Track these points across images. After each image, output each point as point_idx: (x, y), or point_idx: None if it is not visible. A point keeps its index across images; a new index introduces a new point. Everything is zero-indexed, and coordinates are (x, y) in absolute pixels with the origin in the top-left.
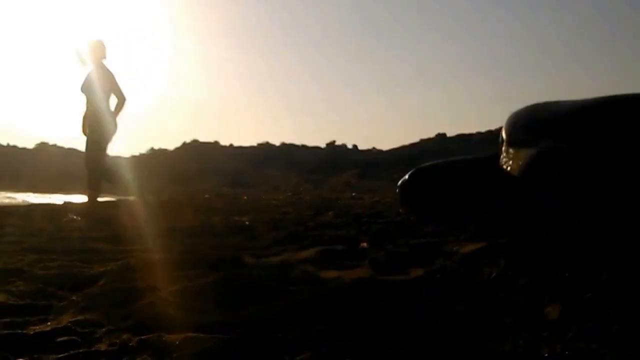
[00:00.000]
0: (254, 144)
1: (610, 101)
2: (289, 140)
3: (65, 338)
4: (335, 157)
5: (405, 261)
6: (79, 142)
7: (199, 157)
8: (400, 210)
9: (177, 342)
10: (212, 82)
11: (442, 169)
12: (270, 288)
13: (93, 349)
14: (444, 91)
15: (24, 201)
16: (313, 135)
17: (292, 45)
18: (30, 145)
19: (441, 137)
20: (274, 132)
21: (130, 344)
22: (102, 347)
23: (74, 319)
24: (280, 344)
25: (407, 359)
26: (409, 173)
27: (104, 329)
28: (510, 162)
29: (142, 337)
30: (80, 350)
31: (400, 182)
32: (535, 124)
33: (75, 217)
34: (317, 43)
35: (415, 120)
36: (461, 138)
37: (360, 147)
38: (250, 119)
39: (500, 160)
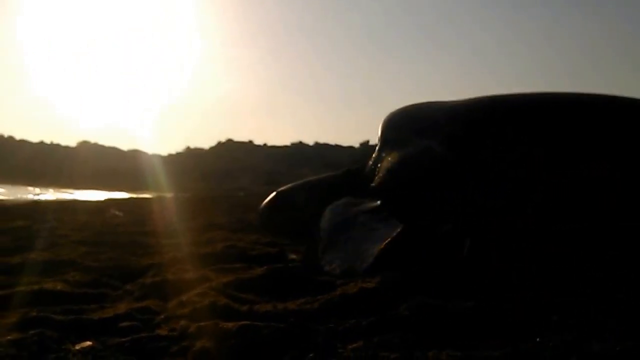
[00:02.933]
0: (288, 143)
1: (479, 103)
2: (322, 139)
3: (127, 323)
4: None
5: None
6: (120, 140)
7: (234, 156)
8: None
9: (234, 329)
10: (247, 82)
11: (299, 191)
12: (317, 282)
13: (154, 333)
14: (484, 90)
15: (70, 198)
16: (347, 134)
17: (326, 45)
18: (73, 143)
19: None
20: (308, 131)
21: (189, 330)
22: (163, 332)
23: (131, 306)
24: (332, 333)
25: (455, 348)
26: (268, 198)
27: (161, 316)
28: (382, 164)
29: (200, 324)
30: (143, 335)
31: (261, 206)
32: (407, 125)
33: (117, 212)
34: (352, 41)
35: None
36: None
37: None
38: (283, 118)
39: (372, 163)
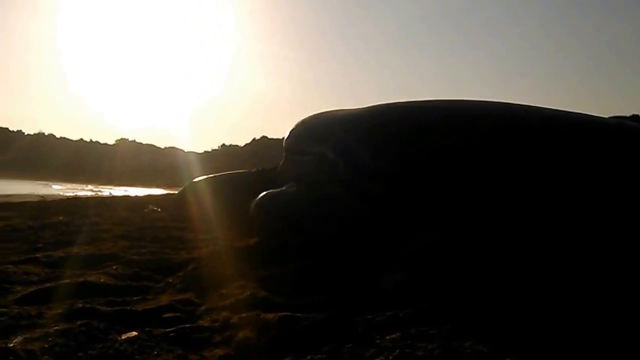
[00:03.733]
0: None
1: (376, 111)
2: None
3: (170, 314)
4: None
5: None
6: (157, 138)
7: (268, 153)
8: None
9: (275, 320)
10: (282, 81)
11: (215, 182)
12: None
13: (197, 324)
14: (520, 85)
15: (110, 194)
16: None
17: (361, 44)
18: (111, 141)
19: None
20: None
21: (231, 321)
22: (205, 323)
23: (173, 298)
24: (369, 324)
25: (490, 340)
26: (181, 189)
27: (203, 308)
28: (286, 169)
29: (242, 315)
30: (187, 325)
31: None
32: (312, 132)
33: (156, 208)
34: (387, 41)
35: None
36: None
37: None
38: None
39: (281, 167)
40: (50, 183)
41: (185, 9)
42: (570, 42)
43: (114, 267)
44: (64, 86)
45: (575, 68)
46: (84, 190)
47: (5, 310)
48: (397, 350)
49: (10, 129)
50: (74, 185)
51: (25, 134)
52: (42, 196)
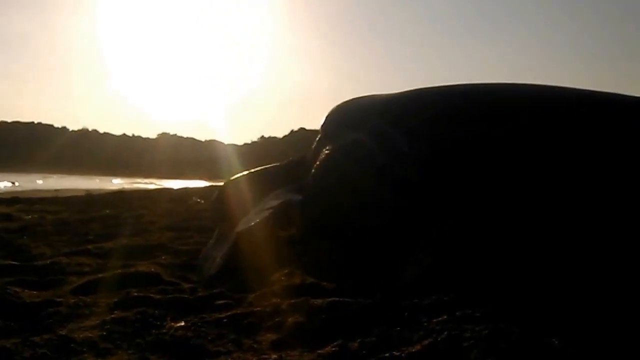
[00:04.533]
0: None
1: (413, 95)
2: None
3: (222, 301)
4: None
5: None
6: (197, 131)
7: (306, 144)
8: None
9: (324, 305)
10: (318, 73)
11: (244, 182)
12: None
13: (248, 310)
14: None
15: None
16: None
17: (395, 38)
18: (153, 135)
19: None
20: None
21: (282, 307)
22: (256, 308)
23: (223, 286)
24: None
25: (534, 321)
26: (217, 190)
27: (252, 294)
28: (322, 156)
29: (291, 301)
30: (238, 311)
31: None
32: (347, 117)
33: (199, 199)
34: (419, 34)
35: None
36: None
37: None
38: None
39: (312, 154)
40: (94, 177)
41: (223, 3)
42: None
43: (163, 257)
44: (107, 82)
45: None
46: (128, 184)
47: (62, 299)
48: (445, 333)
49: (55, 125)
50: (133, 179)
51: (70, 130)
52: (88, 190)
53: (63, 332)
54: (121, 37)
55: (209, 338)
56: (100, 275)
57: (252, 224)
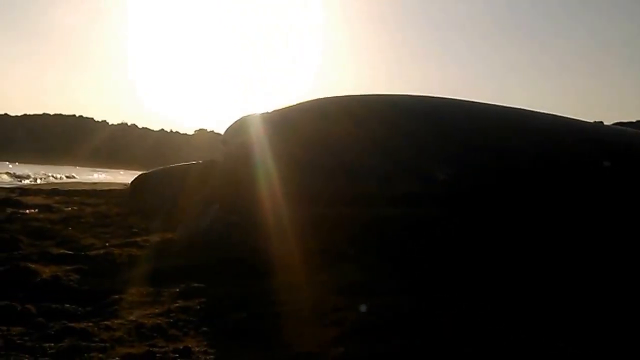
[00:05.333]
0: None
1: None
2: None
3: (278, 297)
4: None
5: None
6: None
7: None
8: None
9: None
10: (365, 75)
11: (160, 176)
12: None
13: (305, 306)
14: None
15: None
16: None
17: (445, 38)
18: (190, 131)
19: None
20: None
21: (339, 307)
22: (311, 304)
23: (276, 282)
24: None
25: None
26: (134, 179)
27: (306, 292)
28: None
29: (346, 300)
30: (296, 307)
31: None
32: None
33: None
34: (476, 31)
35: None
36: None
37: None
38: None
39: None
40: (133, 172)
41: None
42: None
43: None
44: (149, 77)
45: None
46: None
47: (122, 288)
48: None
49: (96, 119)
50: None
51: (110, 124)
52: (125, 184)
53: (132, 318)
54: (164, 32)
55: (268, 329)
56: (155, 267)
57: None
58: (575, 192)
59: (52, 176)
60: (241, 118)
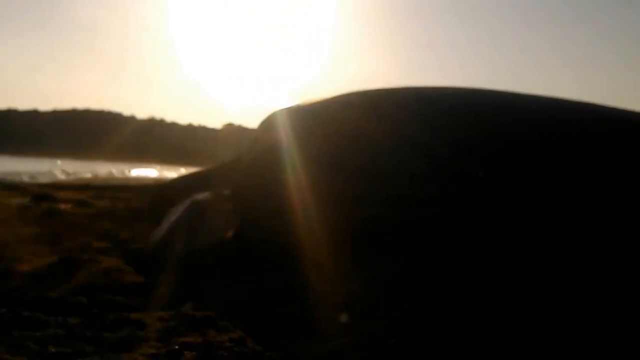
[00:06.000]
0: None
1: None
2: None
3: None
4: None
5: None
6: None
7: None
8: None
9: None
10: (381, 63)
11: (178, 183)
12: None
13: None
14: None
15: None
16: None
17: (459, 28)
18: (219, 125)
19: None
20: None
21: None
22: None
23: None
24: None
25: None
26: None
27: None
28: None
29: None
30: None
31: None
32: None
33: None
34: (518, 15)
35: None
36: None
37: None
38: None
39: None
40: (160, 166)
41: None
42: None
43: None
44: (177, 72)
45: None
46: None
47: (167, 281)
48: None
49: (124, 113)
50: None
51: (138, 118)
52: (155, 179)
53: (183, 310)
54: (191, 27)
55: (315, 320)
56: (195, 260)
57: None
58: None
59: (83, 171)
60: (272, 114)
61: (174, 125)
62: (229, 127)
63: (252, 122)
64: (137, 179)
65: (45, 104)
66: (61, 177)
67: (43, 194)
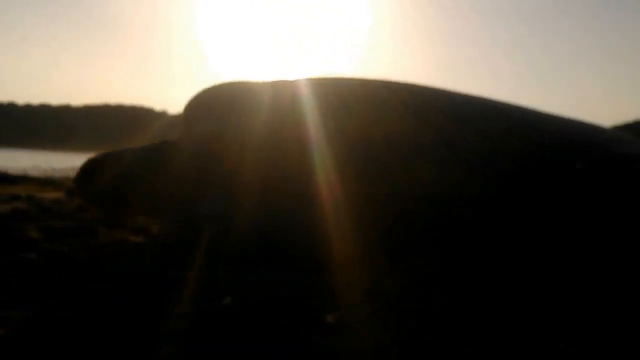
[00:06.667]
0: None
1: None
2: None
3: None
4: None
5: None
6: None
7: None
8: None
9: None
10: (416, 53)
11: (111, 158)
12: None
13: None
14: None
15: None
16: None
17: (492, 26)
18: None
19: None
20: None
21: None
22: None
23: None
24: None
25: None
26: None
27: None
28: (184, 144)
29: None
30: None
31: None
32: (208, 104)
33: None
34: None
35: None
36: None
37: None
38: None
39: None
40: None
41: None
42: None
43: None
44: (207, 66)
45: None
46: None
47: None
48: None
49: (155, 109)
50: None
51: (169, 113)
52: None
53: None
54: (223, 22)
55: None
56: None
57: None
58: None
59: None
60: (208, 91)
61: None
62: None
63: None
64: None
65: (77, 99)
66: None
67: (74, 189)
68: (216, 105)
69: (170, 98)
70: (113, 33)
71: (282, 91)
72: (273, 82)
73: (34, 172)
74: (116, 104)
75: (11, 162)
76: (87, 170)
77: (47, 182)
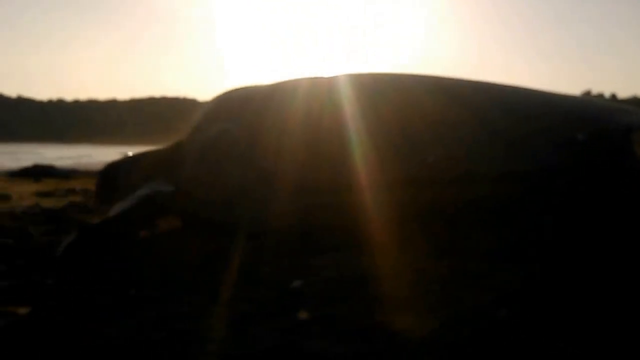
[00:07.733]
0: None
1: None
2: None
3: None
4: None
5: None
6: None
7: None
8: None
9: None
10: (464, 47)
11: (126, 164)
12: None
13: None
14: None
15: None
16: (565, 82)
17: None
18: None
19: None
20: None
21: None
22: None
23: None
24: None
25: None
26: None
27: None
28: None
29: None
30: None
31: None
32: (215, 109)
33: None
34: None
35: None
36: None
37: (620, 96)
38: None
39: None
40: None
41: None
42: None
43: None
44: (253, 57)
45: None
46: None
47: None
48: None
49: (198, 99)
50: None
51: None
52: None
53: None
54: (264, 15)
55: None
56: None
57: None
58: None
59: None
60: (221, 96)
61: None
62: None
63: None
64: None
65: (123, 93)
66: None
67: None
68: (238, 106)
69: (213, 88)
70: (156, 28)
71: (318, 86)
72: (295, 80)
73: (85, 166)
74: (160, 96)
75: (62, 157)
76: (107, 175)
77: (94, 175)
